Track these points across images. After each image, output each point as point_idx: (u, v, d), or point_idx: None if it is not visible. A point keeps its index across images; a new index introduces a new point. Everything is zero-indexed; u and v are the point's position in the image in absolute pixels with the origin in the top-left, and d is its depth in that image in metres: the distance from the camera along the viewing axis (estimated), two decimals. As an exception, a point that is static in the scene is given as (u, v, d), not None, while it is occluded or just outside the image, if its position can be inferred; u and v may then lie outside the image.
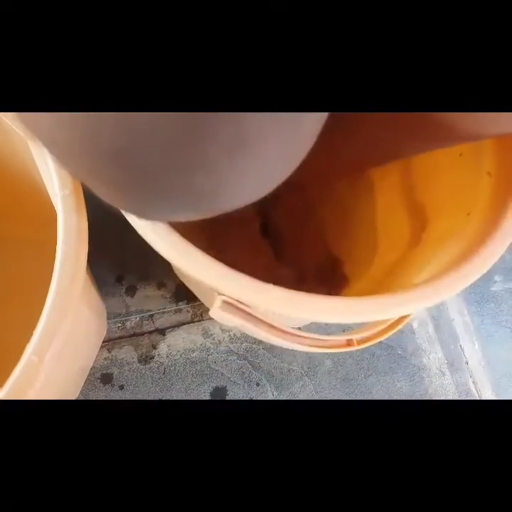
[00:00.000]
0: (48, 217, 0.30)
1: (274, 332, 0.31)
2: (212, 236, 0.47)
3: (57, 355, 0.26)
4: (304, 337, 0.32)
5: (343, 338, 0.34)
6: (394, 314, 0.29)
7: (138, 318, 0.55)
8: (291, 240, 0.50)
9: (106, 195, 0.19)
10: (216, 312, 0.28)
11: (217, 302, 0.28)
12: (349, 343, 0.34)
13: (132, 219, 0.28)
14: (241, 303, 0.28)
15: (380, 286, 0.41)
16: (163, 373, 0.53)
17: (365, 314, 0.28)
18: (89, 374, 0.51)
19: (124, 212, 0.26)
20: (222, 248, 0.47)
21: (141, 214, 0.22)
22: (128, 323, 0.55)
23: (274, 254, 0.50)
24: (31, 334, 0.26)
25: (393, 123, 0.25)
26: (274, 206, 0.49)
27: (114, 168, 0.16)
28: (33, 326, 0.27)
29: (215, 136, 0.14)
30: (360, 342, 0.34)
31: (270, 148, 0.16)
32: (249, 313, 0.29)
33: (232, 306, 0.28)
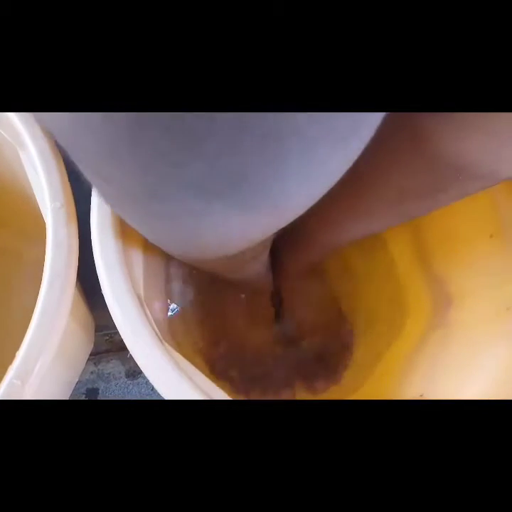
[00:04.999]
0: (39, 228, 0.29)
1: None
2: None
3: (42, 376, 0.25)
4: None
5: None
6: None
7: (127, 331, 0.54)
8: (292, 306, 0.47)
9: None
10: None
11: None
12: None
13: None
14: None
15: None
16: (152, 389, 0.51)
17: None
18: (75, 388, 0.49)
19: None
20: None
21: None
22: (116, 336, 0.53)
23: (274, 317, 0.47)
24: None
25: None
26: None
27: None
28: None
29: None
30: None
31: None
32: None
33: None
